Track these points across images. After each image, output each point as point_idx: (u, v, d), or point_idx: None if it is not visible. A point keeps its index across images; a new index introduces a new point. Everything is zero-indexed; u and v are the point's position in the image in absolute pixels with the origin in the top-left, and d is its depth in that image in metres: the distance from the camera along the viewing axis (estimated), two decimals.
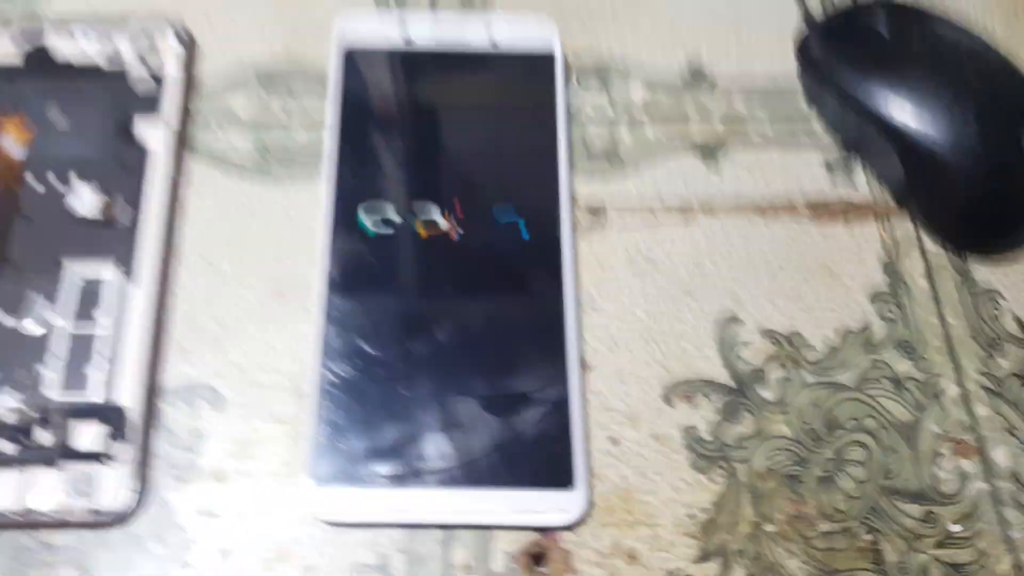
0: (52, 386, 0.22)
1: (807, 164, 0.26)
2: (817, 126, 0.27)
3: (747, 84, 0.27)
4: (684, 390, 0.23)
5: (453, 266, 0.23)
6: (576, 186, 0.25)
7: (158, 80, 0.26)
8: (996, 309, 0.24)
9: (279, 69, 0.27)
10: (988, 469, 0.22)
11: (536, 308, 0.23)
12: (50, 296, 0.23)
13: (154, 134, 0.25)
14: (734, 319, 0.24)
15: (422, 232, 0.24)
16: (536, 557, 0.21)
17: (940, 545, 0.21)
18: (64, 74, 0.26)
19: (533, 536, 0.21)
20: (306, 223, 0.25)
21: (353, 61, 0.26)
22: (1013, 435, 0.23)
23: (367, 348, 0.22)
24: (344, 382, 0.22)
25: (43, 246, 0.23)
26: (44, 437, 0.21)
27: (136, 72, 0.26)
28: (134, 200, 0.24)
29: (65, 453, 0.21)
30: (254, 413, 0.22)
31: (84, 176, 0.24)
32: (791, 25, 0.28)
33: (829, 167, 0.26)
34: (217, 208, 0.25)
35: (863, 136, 0.25)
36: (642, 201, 0.25)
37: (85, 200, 0.23)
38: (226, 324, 0.23)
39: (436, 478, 0.21)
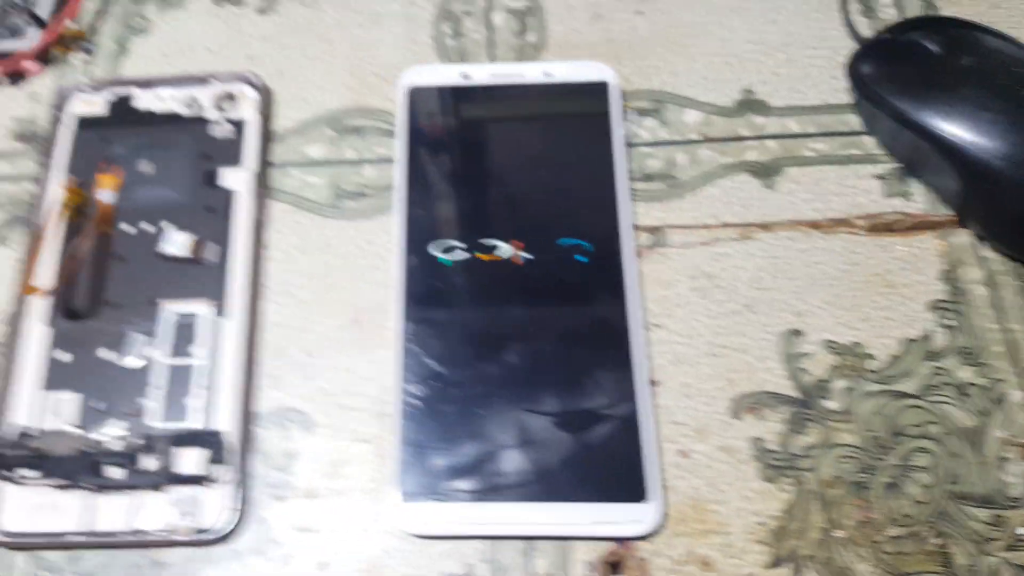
0: (155, 416, 0.28)
1: (861, 178, 0.32)
2: (870, 142, 0.33)
3: (799, 103, 0.33)
4: (750, 403, 0.29)
5: (520, 290, 0.30)
6: (635, 208, 0.32)
7: (239, 129, 0.33)
8: None
9: (349, 115, 0.34)
10: None
11: (603, 328, 0.29)
12: (149, 332, 0.29)
13: (237, 178, 0.32)
14: (796, 332, 0.29)
15: (489, 259, 0.30)
16: (614, 565, 0.27)
17: (1010, 548, 0.26)
18: (153, 127, 0.33)
19: (610, 545, 0.27)
20: (379, 254, 0.31)
21: (417, 98, 0.33)
22: None
23: (445, 370, 0.28)
24: (425, 403, 0.28)
25: (139, 286, 0.30)
26: (150, 463, 0.28)
27: (218, 123, 0.33)
28: (221, 240, 0.31)
29: (169, 477, 0.27)
30: (341, 434, 0.28)
31: (174, 220, 0.31)
32: (841, 45, 0.34)
33: (884, 181, 0.32)
34: (297, 244, 0.32)
35: (918, 152, 0.31)
36: (700, 220, 0.31)
37: (177, 242, 0.30)
38: (311, 351, 0.30)
39: (516, 492, 0.27)
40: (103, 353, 0.29)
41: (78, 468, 0.28)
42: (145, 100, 0.33)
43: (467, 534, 0.27)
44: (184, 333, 0.29)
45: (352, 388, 0.29)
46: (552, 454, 0.27)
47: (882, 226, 0.31)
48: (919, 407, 0.28)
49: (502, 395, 0.28)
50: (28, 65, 0.35)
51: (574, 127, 0.32)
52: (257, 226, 0.31)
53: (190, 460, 0.28)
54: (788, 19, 0.35)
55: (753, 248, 0.31)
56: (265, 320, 0.30)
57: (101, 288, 0.30)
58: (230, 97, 0.33)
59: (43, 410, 0.29)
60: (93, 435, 0.28)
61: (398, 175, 0.32)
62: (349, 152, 0.34)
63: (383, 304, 0.30)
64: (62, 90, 0.34)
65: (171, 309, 0.30)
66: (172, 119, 0.33)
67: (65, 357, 0.29)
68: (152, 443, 0.28)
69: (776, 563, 0.26)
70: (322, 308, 0.31)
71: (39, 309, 0.30)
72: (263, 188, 0.32)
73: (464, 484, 0.27)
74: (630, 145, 0.33)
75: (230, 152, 0.32)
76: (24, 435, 0.28)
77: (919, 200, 0.31)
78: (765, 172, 0.32)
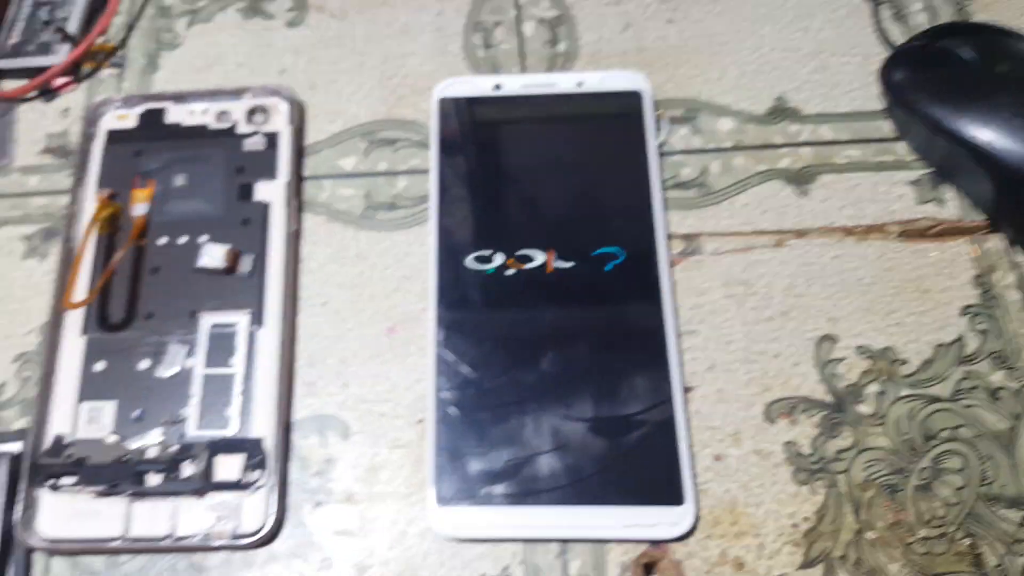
0: (195, 424, 0.35)
1: (894, 184, 0.39)
2: (903, 148, 0.40)
3: (832, 110, 0.41)
4: (783, 407, 0.34)
5: (554, 299, 0.37)
6: (669, 216, 0.39)
7: (271, 142, 0.40)
8: None
9: (381, 127, 0.42)
10: None
11: (638, 335, 0.36)
12: (186, 342, 0.37)
13: (271, 191, 0.39)
14: (829, 337, 0.36)
15: (523, 267, 0.37)
16: (648, 567, 0.33)
17: None
18: (186, 140, 0.41)
19: (644, 547, 0.32)
20: (412, 263, 0.39)
21: (450, 109, 0.40)
22: None
23: (479, 377, 0.35)
24: (459, 409, 0.34)
25: (175, 298, 0.38)
26: (190, 470, 0.34)
27: (251, 136, 0.40)
28: (256, 251, 0.38)
29: (209, 483, 0.34)
30: (378, 440, 0.35)
31: (209, 232, 0.39)
32: (873, 52, 0.42)
33: (917, 187, 0.38)
34: (331, 255, 0.39)
35: (950, 158, 0.38)
36: (734, 228, 0.38)
37: (213, 253, 0.37)
38: (346, 360, 0.37)
39: (552, 496, 0.33)
40: (140, 363, 0.36)
41: (117, 475, 0.35)
42: (178, 114, 0.41)
43: (503, 537, 0.33)
44: (221, 343, 0.37)
45: (388, 395, 0.36)
46: (587, 458, 0.34)
47: (915, 232, 0.37)
48: (951, 411, 0.35)
49: (536, 401, 0.35)
50: (59, 81, 0.43)
51: (608, 136, 0.40)
52: (292, 238, 0.39)
53: (230, 466, 0.35)
54: (819, 26, 0.43)
55: (787, 255, 0.38)
56: (301, 330, 0.38)
57: (136, 299, 0.38)
58: (263, 110, 0.41)
59: (81, 419, 0.36)
60: (132, 443, 0.35)
61: (432, 186, 0.39)
62: (382, 164, 0.41)
63: (417, 313, 0.38)
64: (94, 105, 0.42)
65: (208, 320, 0.37)
66: (205, 133, 0.41)
67: (101, 367, 0.36)
68: (191, 450, 0.35)
69: (808, 564, 0.33)
70: (357, 318, 0.38)
71: (75, 320, 0.37)
72: (297, 200, 0.40)
73: (499, 488, 0.34)
74: (663, 153, 0.40)
75: (263, 165, 0.40)
76: (61, 443, 0.35)
77: (952, 206, 0.39)
78: (799, 179, 0.40)
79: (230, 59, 0.44)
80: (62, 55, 0.43)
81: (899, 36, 0.42)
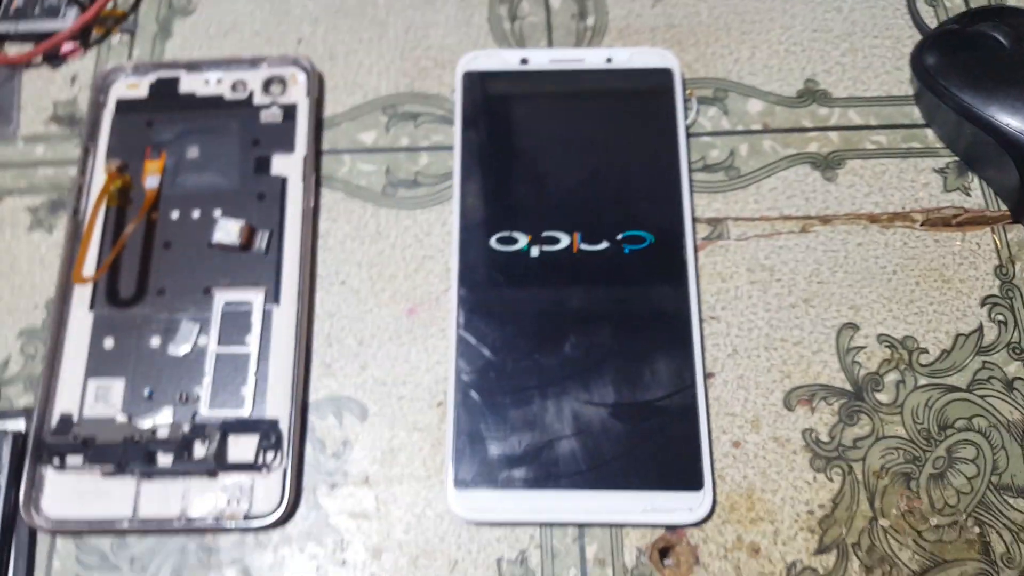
0: (207, 403, 0.34)
1: (921, 172, 0.38)
2: (931, 135, 0.39)
3: (862, 94, 0.40)
4: (803, 395, 0.34)
5: (579, 281, 0.36)
6: (696, 199, 0.38)
7: (289, 114, 0.39)
8: None
9: (402, 101, 0.40)
10: None
11: (662, 320, 0.35)
12: (201, 320, 0.36)
13: (288, 165, 0.38)
14: (850, 325, 0.35)
15: (548, 249, 0.36)
16: (663, 551, 0.33)
17: None
18: (200, 111, 0.39)
19: (660, 531, 0.32)
20: (433, 243, 0.38)
21: (475, 84, 0.39)
22: None
23: (499, 360, 0.34)
24: (479, 392, 0.34)
25: (187, 273, 0.36)
26: (202, 450, 0.33)
27: (268, 108, 0.39)
28: (273, 227, 0.37)
29: (223, 464, 0.33)
30: (395, 422, 0.35)
31: (223, 206, 0.37)
32: (905, 35, 0.41)
33: (943, 175, 0.38)
34: (350, 232, 0.38)
35: (978, 146, 0.37)
36: (760, 213, 0.38)
37: (227, 229, 0.36)
38: (364, 340, 0.36)
39: (570, 480, 0.33)
40: (151, 340, 0.35)
41: (126, 455, 0.34)
42: (191, 84, 0.39)
43: (520, 521, 0.33)
44: (235, 321, 0.35)
45: (406, 377, 0.35)
46: (607, 443, 0.33)
47: (939, 220, 0.37)
48: (967, 400, 0.34)
49: (557, 385, 0.34)
50: (67, 47, 0.41)
51: (636, 115, 0.38)
52: (309, 214, 0.37)
53: (244, 447, 0.34)
54: (852, 7, 0.41)
55: (812, 241, 0.37)
56: (318, 309, 0.37)
57: (147, 275, 0.36)
58: (280, 81, 0.39)
59: (88, 397, 0.35)
60: (142, 422, 0.34)
61: (455, 163, 0.38)
62: (403, 139, 0.40)
63: (438, 294, 0.37)
64: (104, 73, 0.40)
65: (222, 297, 0.36)
66: (219, 103, 0.39)
67: (110, 344, 0.35)
68: (203, 430, 0.34)
69: (822, 550, 0.33)
70: (377, 298, 0.37)
71: (83, 295, 0.36)
72: (315, 175, 0.38)
73: (518, 472, 0.33)
74: (691, 135, 0.39)
75: (280, 138, 0.38)
76: (68, 421, 0.34)
77: (977, 195, 0.38)
78: (826, 164, 0.39)
79: (246, 27, 0.42)
80: (70, 19, 0.41)
81: (932, 19, 0.41)
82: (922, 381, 0.35)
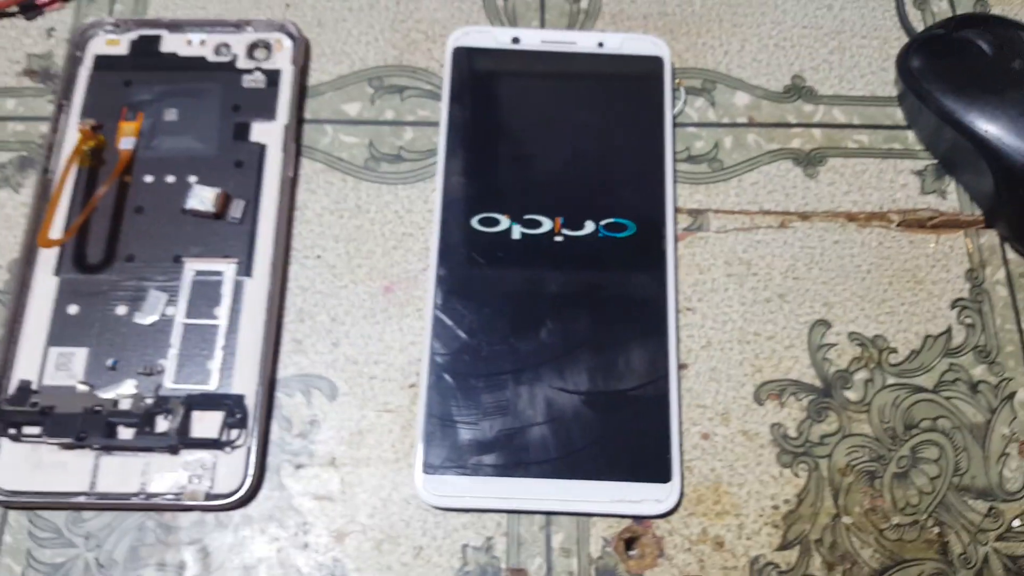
0: (172, 376, 0.26)
1: (899, 173, 0.31)
2: (911, 136, 0.31)
3: (847, 93, 0.32)
4: (773, 389, 0.26)
5: (558, 267, 0.28)
6: (679, 189, 0.30)
7: (272, 80, 0.30)
8: None
9: (390, 73, 0.31)
10: None
11: (639, 310, 0.28)
12: (167, 289, 0.27)
13: (268, 132, 0.29)
14: (823, 322, 0.28)
15: (529, 232, 0.28)
16: (628, 542, 0.24)
17: (1001, 539, 0.26)
18: (180, 72, 0.29)
19: (627, 523, 0.24)
20: (414, 220, 0.30)
21: (464, 60, 0.30)
22: None
23: (475, 343, 0.26)
24: (452, 375, 0.25)
25: (159, 240, 0.28)
26: (165, 424, 0.25)
27: (252, 73, 0.30)
28: (249, 196, 0.28)
29: (185, 440, 0.25)
30: (365, 403, 0.27)
31: (199, 172, 0.28)
32: (892, 36, 0.32)
33: (921, 177, 0.29)
34: (329, 205, 0.29)
35: (956, 150, 0.30)
36: (740, 206, 0.30)
37: (201, 196, 0.27)
38: (337, 317, 0.28)
39: (539, 468, 0.26)
40: (117, 308, 0.27)
41: (86, 427, 0.25)
42: (173, 43, 0.30)
43: (488, 508, 0.26)
44: (205, 292, 0.27)
45: (379, 357, 0.28)
46: (578, 432, 0.26)
47: (915, 222, 0.30)
48: (933, 401, 0.27)
49: (532, 371, 0.27)
50: None
51: (625, 102, 0.30)
52: (287, 184, 0.29)
53: (207, 423, 0.26)
54: (842, 5, 0.33)
55: (790, 237, 0.30)
56: (292, 283, 0.28)
57: (117, 240, 0.28)
58: (265, 46, 0.30)
59: (49, 365, 0.26)
60: (103, 393, 0.26)
61: (440, 140, 0.30)
62: (388, 112, 0.31)
63: (416, 273, 0.29)
64: (83, 27, 0.31)
65: (192, 266, 0.27)
66: (201, 66, 0.30)
67: (75, 310, 0.27)
68: (166, 404, 0.26)
69: (785, 546, 0.26)
70: (353, 274, 0.29)
71: (49, 259, 0.28)
72: (295, 144, 0.30)
73: (488, 458, 0.26)
74: (677, 125, 0.31)
75: (262, 104, 0.29)
76: (26, 390, 0.26)
77: (953, 199, 0.30)
78: (808, 161, 0.31)
79: None
80: None
81: (919, 22, 0.32)
82: (890, 380, 0.28)
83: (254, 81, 0.29)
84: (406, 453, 0.26)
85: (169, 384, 0.25)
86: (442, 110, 0.29)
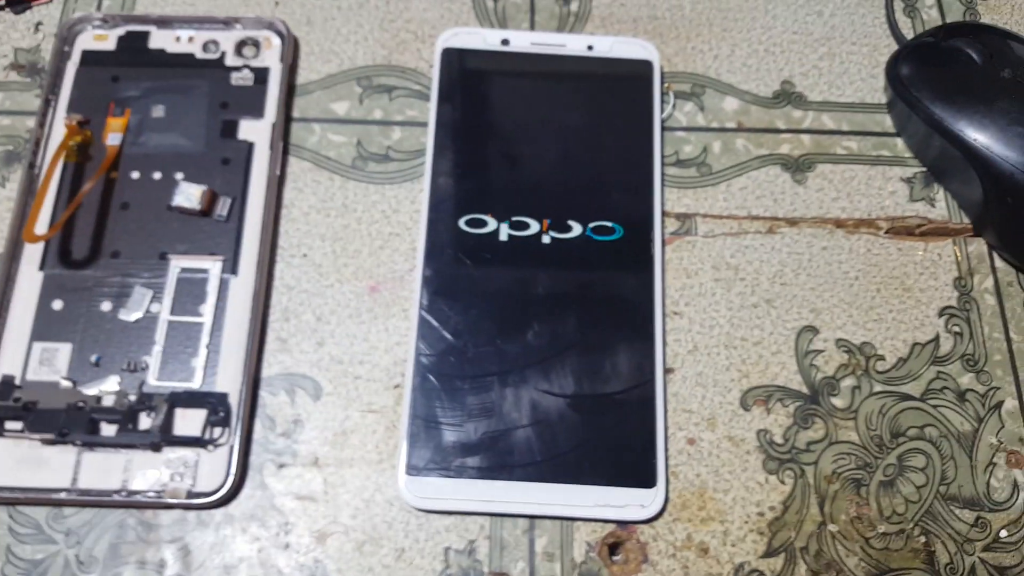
0: (156, 373, 0.25)
1: (888, 180, 0.29)
2: (900, 144, 0.30)
3: (836, 99, 0.30)
4: (760, 395, 0.25)
5: (545, 270, 0.26)
6: (667, 193, 0.28)
7: (260, 78, 0.28)
8: None
9: (378, 72, 0.29)
10: None
11: (626, 313, 0.26)
12: (152, 286, 0.25)
13: (256, 130, 0.27)
14: (810, 328, 0.26)
15: (516, 234, 0.26)
16: (612, 547, 0.23)
17: (988, 549, 0.24)
18: (168, 69, 0.28)
19: (611, 528, 0.23)
20: (401, 220, 0.28)
21: (453, 61, 0.28)
22: None
23: (460, 345, 0.24)
24: (438, 376, 0.24)
25: (145, 237, 0.26)
26: (148, 421, 0.24)
27: (240, 70, 0.28)
28: (235, 194, 0.26)
29: (168, 437, 0.24)
30: (350, 403, 0.25)
31: (186, 170, 0.27)
32: (882, 43, 0.31)
33: (910, 184, 0.28)
34: (315, 204, 0.27)
35: (945, 158, 0.28)
36: (729, 211, 0.28)
37: (188, 193, 0.26)
38: (323, 316, 0.26)
39: (524, 472, 0.24)
40: (101, 305, 0.25)
41: (69, 423, 0.24)
42: (161, 39, 0.28)
43: (471, 510, 0.24)
44: (190, 289, 0.25)
45: (364, 357, 0.26)
46: (563, 435, 0.24)
47: (903, 229, 0.28)
48: (920, 409, 0.26)
49: (517, 373, 0.25)
50: None
51: (614, 105, 0.28)
52: (274, 182, 0.27)
53: (190, 421, 0.24)
54: (832, 11, 0.31)
55: (778, 242, 0.28)
56: (277, 281, 0.26)
57: (102, 236, 0.26)
58: (254, 43, 0.28)
59: (32, 360, 0.24)
60: (87, 389, 0.24)
61: (428, 140, 0.28)
62: (377, 111, 0.29)
63: (402, 273, 0.27)
64: (70, 22, 0.28)
65: (178, 263, 0.26)
66: (190, 62, 0.28)
67: (59, 306, 0.25)
68: (150, 401, 0.24)
69: (770, 553, 0.24)
70: (339, 273, 0.27)
71: (33, 254, 0.26)
72: (283, 143, 0.28)
73: (472, 460, 0.24)
74: (666, 129, 0.29)
75: (250, 102, 0.27)
76: (9, 385, 0.24)
77: (942, 206, 0.29)
78: (797, 167, 0.29)
79: None
80: None
81: (909, 30, 0.31)
82: (877, 388, 0.26)
83: (242, 79, 0.27)
84: (390, 454, 0.24)
85: (153, 381, 0.24)
86: (430, 111, 0.28)
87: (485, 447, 0.24)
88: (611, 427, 0.24)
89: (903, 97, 0.28)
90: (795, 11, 0.31)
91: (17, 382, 0.24)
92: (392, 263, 0.27)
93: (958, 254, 0.28)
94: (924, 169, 0.29)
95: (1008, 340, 0.27)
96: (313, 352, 0.25)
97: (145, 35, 0.28)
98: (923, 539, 0.24)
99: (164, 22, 0.28)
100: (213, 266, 0.25)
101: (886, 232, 0.28)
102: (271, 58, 0.28)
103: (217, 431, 0.23)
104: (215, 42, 0.28)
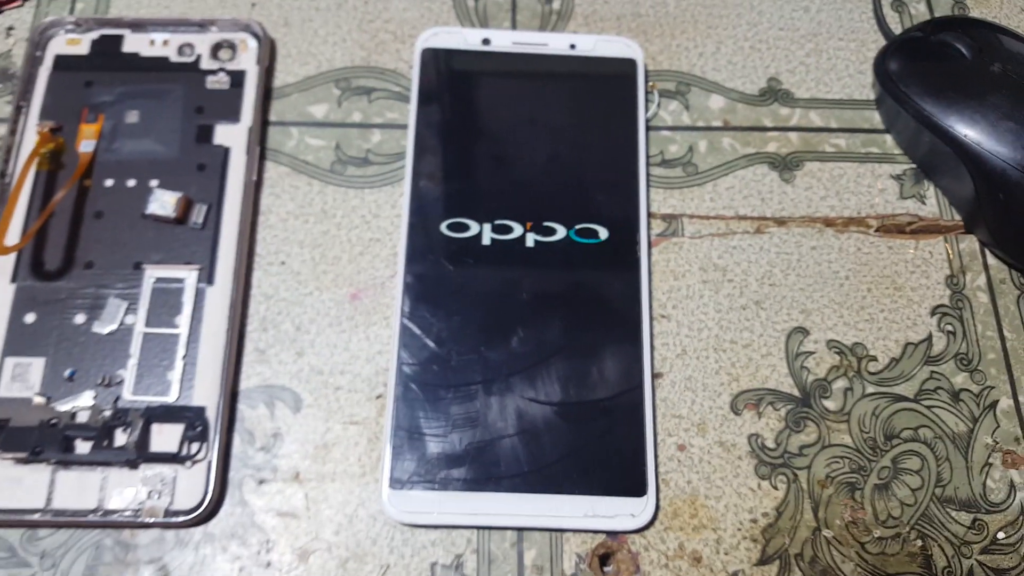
0: (131, 387, 0.22)
1: (878, 178, 0.27)
2: (889, 140, 0.27)
3: (823, 96, 0.28)
4: (750, 399, 0.23)
5: (529, 274, 0.24)
6: (652, 194, 0.26)
7: (237, 81, 0.25)
8: None
9: (357, 74, 0.27)
10: None
11: (612, 318, 0.24)
12: (127, 297, 0.23)
13: (232, 135, 0.25)
14: (800, 329, 0.24)
15: (499, 238, 0.24)
16: (603, 558, 0.22)
17: (986, 551, 0.22)
18: (142, 73, 0.25)
19: (602, 538, 0.21)
20: (381, 225, 0.25)
21: (434, 61, 0.26)
22: None
23: (444, 353, 0.22)
24: (421, 386, 0.22)
25: (119, 247, 0.24)
26: (123, 438, 0.22)
27: (216, 74, 0.25)
28: (211, 201, 0.24)
29: (144, 454, 0.22)
30: (331, 415, 0.23)
31: (161, 176, 0.24)
32: (869, 39, 0.28)
33: (900, 181, 0.26)
34: (294, 210, 0.25)
35: (935, 154, 0.26)
36: (716, 211, 0.26)
37: (162, 200, 0.23)
38: (302, 326, 0.24)
39: (511, 483, 0.22)
40: (75, 317, 0.23)
41: (42, 440, 0.21)
42: (135, 43, 0.26)
43: (457, 524, 0.22)
44: (166, 300, 0.23)
45: (345, 367, 0.23)
46: (550, 444, 0.22)
47: (894, 227, 0.26)
48: (914, 410, 0.24)
49: (502, 381, 0.23)
50: None
51: (597, 105, 0.26)
52: (251, 188, 0.24)
53: (167, 437, 0.22)
54: (819, 7, 0.29)
55: (766, 242, 0.25)
56: (255, 290, 0.24)
57: (75, 246, 0.23)
58: (229, 46, 0.26)
59: (4, 376, 0.22)
60: (61, 405, 0.22)
61: (409, 143, 0.25)
62: (356, 114, 0.26)
63: (383, 280, 0.24)
64: (43, 26, 0.26)
65: (153, 273, 0.23)
66: (164, 66, 0.26)
67: (31, 319, 0.23)
68: (125, 416, 0.22)
69: (764, 561, 0.22)
70: (318, 280, 0.24)
71: (4, 265, 0.23)
72: (259, 147, 0.25)
73: (456, 472, 0.22)
74: (651, 128, 0.27)
75: (226, 106, 0.25)
76: None
77: (932, 203, 0.26)
78: (784, 165, 0.27)
79: None
80: None
81: (897, 25, 0.29)
82: (870, 389, 0.24)
83: (218, 82, 0.25)
84: (373, 467, 0.22)
85: (128, 396, 0.22)
86: (411, 112, 0.25)
87: (471, 458, 0.22)
88: (599, 435, 0.22)
89: (892, 93, 0.26)
90: (781, 7, 0.29)
91: None
92: (373, 269, 0.24)
93: (950, 252, 0.25)
94: (914, 166, 0.27)
95: (1002, 338, 0.25)
96: (292, 363, 0.23)
97: (119, 39, 0.26)
98: (920, 543, 0.22)
99: (138, 25, 0.26)
100: (189, 275, 0.23)
101: (876, 230, 0.26)
102: (247, 61, 0.25)
103: (195, 446, 0.21)
104: (190, 45, 0.26)
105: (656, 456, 0.23)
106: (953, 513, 0.23)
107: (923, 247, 0.26)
